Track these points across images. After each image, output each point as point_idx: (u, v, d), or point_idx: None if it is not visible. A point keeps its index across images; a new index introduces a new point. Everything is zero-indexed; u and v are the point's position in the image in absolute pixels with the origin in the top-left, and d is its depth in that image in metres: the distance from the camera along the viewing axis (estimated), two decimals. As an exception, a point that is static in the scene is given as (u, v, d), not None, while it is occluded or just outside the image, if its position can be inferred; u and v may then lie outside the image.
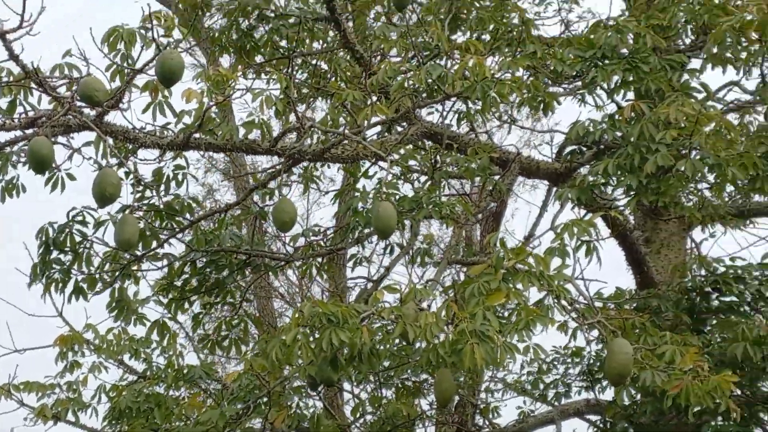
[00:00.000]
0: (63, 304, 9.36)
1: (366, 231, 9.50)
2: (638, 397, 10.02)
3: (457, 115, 9.83)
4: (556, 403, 11.85)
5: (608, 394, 11.24)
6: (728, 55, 9.69)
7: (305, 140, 8.45)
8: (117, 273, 9.22)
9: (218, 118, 8.85)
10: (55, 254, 8.85)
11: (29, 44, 7.23)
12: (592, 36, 10.01)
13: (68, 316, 11.01)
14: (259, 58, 10.24)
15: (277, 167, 9.32)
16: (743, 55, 9.81)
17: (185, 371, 10.49)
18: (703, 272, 11.22)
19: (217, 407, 9.54)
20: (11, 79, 7.70)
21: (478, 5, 10.64)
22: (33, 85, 7.57)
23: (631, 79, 9.44)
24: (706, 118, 9.01)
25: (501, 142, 11.59)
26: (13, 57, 7.27)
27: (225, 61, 10.76)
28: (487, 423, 12.53)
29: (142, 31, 7.57)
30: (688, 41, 10.91)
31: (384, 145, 8.84)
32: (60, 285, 9.01)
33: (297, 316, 7.52)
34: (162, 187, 9.11)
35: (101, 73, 7.59)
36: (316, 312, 7.32)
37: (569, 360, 11.83)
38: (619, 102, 9.94)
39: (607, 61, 9.63)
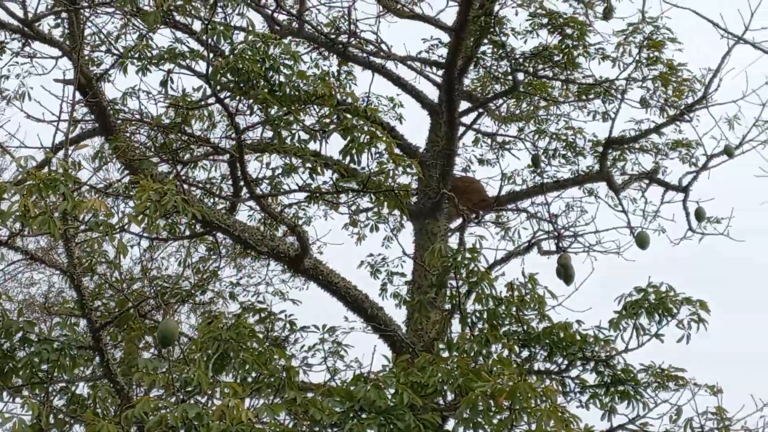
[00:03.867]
0: None
1: None
2: None
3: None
4: None
5: None
6: (479, 419, 10.01)
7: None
8: None
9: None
10: None
11: None
12: (352, 388, 10.23)
13: None
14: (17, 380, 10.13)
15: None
16: (495, 420, 10.16)
17: None
18: None
19: None
20: None
21: (244, 347, 10.80)
22: None
23: (385, 436, 9.64)
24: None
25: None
26: None
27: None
28: None
29: None
30: (451, 397, 11.14)
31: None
32: None
33: None
34: None
35: None
36: None
37: None
38: None
39: (364, 415, 9.82)
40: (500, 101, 15.34)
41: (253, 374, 10.57)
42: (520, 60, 14.80)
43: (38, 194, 8.46)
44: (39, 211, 8.28)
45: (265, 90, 11.39)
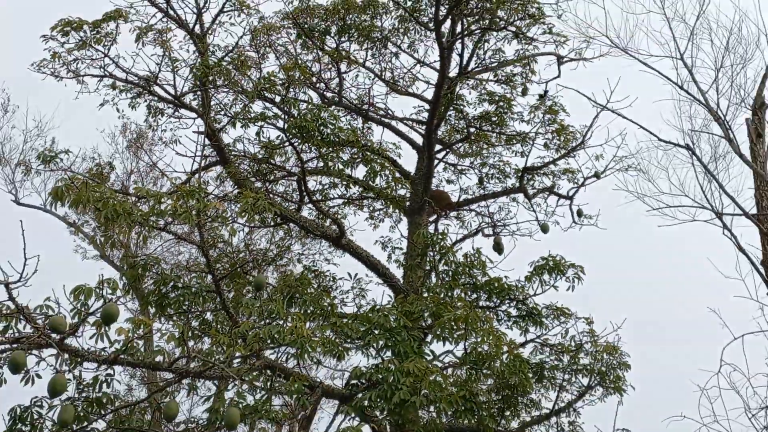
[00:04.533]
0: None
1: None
2: None
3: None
4: None
5: None
6: (446, 335, 9.97)
7: (191, 363, 8.28)
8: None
9: (140, 345, 8.60)
10: (19, 426, 8.24)
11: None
12: (370, 315, 10.23)
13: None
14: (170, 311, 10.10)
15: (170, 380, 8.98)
16: (456, 335, 10.12)
17: None
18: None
19: None
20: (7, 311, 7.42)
21: (307, 292, 10.76)
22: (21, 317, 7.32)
23: (389, 343, 9.59)
24: (431, 372, 9.15)
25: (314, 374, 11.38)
26: (12, 299, 7.05)
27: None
28: None
29: (96, 289, 7.49)
30: (429, 321, 11.10)
31: (239, 371, 8.69)
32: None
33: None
34: (98, 387, 8.66)
35: (67, 313, 7.42)
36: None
37: None
38: (382, 356, 9.86)
39: (377, 332, 9.81)
40: (459, 145, 15.25)
41: (311, 308, 10.54)
42: (471, 120, 14.72)
43: (183, 200, 8.45)
44: (183, 210, 8.27)
45: (318, 137, 11.37)
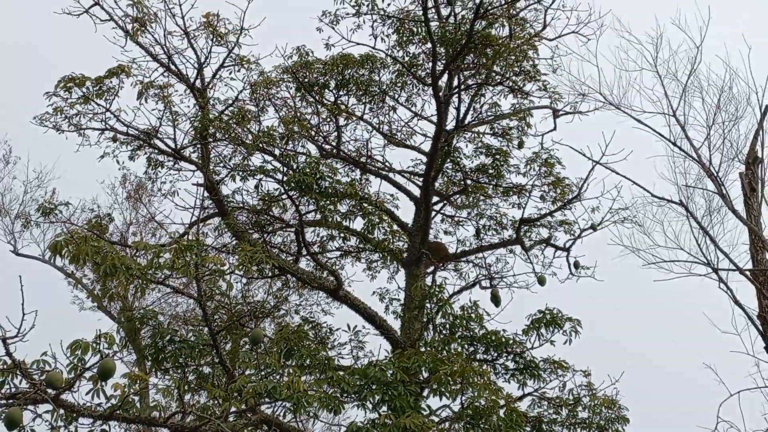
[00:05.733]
0: None
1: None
2: None
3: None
4: None
5: None
6: (442, 389, 9.95)
7: (187, 419, 8.28)
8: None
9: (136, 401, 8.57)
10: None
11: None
12: (366, 369, 10.21)
13: None
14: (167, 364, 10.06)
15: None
16: (453, 388, 10.10)
17: None
18: None
19: None
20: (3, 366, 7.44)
21: (302, 344, 10.75)
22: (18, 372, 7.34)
23: (386, 398, 9.57)
24: (427, 427, 9.06)
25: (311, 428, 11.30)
26: (9, 355, 7.09)
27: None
28: None
29: (93, 344, 7.53)
30: (426, 375, 11.04)
31: (235, 426, 8.67)
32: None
33: None
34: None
35: (63, 368, 7.45)
36: None
37: None
38: (379, 411, 9.78)
39: (374, 386, 9.78)
40: (456, 197, 15.38)
41: (308, 361, 10.54)
42: (468, 172, 14.87)
43: (181, 254, 8.53)
44: (181, 264, 8.34)
45: (316, 190, 11.49)
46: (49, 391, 7.30)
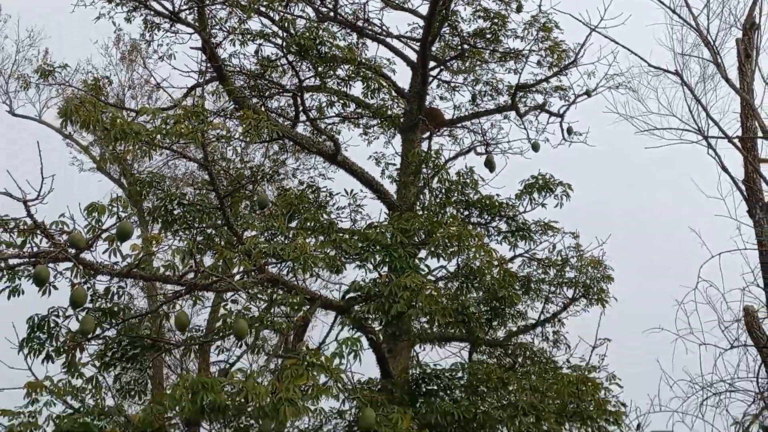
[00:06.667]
0: (32, 363, 9.02)
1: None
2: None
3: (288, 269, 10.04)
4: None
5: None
6: (440, 251, 10.43)
7: (199, 276, 8.74)
8: (74, 347, 9.08)
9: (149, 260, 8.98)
10: (37, 333, 8.73)
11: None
12: (367, 232, 10.66)
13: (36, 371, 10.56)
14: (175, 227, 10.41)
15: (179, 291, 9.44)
16: (449, 251, 10.57)
17: (105, 409, 10.27)
18: (418, 371, 11.70)
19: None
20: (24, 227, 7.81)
21: (305, 208, 11.11)
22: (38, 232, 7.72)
23: (387, 259, 10.04)
24: (426, 286, 9.65)
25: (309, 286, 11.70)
26: (30, 216, 7.43)
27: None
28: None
29: (109, 207, 7.88)
30: (423, 237, 11.46)
31: (245, 284, 9.15)
32: (36, 352, 8.86)
33: (182, 381, 7.66)
34: (110, 298, 9.15)
35: (81, 229, 7.84)
36: (196, 380, 7.54)
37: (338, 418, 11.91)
38: (379, 271, 10.30)
39: (375, 248, 10.25)
40: (453, 62, 15.38)
41: (310, 224, 10.92)
42: (465, 37, 14.82)
43: (187, 119, 8.72)
44: (189, 130, 8.56)
45: (315, 55, 11.53)
46: (71, 250, 7.71)
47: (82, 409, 10.57)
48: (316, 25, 11.62)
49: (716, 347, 8.42)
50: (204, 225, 10.09)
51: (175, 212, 9.89)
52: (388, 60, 14.34)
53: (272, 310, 9.68)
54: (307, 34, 11.20)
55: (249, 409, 7.77)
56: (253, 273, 8.91)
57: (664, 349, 8.56)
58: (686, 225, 9.27)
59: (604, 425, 11.30)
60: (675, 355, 8.35)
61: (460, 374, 11.36)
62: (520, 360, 12.51)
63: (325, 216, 10.90)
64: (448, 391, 11.18)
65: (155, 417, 8.69)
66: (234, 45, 11.84)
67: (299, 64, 11.88)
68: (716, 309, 8.60)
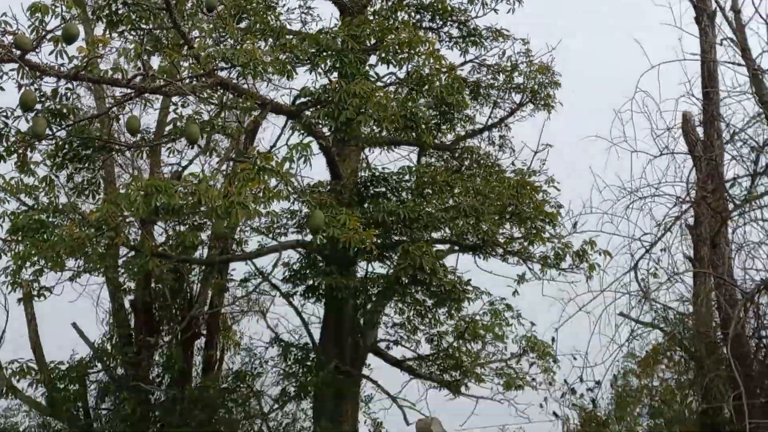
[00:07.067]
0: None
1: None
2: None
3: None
4: (280, 240, 12.24)
5: (309, 238, 11.48)
6: (390, 58, 10.43)
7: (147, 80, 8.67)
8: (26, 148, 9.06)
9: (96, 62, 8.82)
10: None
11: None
12: (318, 36, 10.56)
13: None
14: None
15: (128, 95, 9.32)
16: (400, 57, 10.54)
17: (59, 207, 10.44)
18: (367, 173, 12.11)
19: (82, 231, 9.58)
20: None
21: (252, 9, 10.84)
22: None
23: (337, 65, 10.06)
24: (375, 92, 9.77)
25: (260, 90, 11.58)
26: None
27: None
28: (240, 249, 12.88)
29: (52, 6, 7.66)
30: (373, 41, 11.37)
31: (194, 88, 9.10)
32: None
33: (135, 182, 7.86)
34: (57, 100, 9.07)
35: (25, 29, 7.66)
36: (149, 183, 7.77)
37: (289, 218, 12.31)
38: (329, 77, 10.26)
39: (325, 53, 10.23)
40: None
41: (258, 25, 10.70)
42: None
43: None
44: None
45: None
46: (16, 51, 7.59)
47: (36, 206, 10.84)
48: None
49: (647, 154, 8.90)
50: (150, 26, 9.82)
51: (120, 11, 9.56)
52: None
53: (223, 114, 9.75)
54: None
55: (202, 209, 8.01)
56: (202, 78, 8.85)
57: (600, 156, 9.02)
58: (633, 34, 9.40)
59: (540, 225, 12.03)
60: (608, 162, 8.83)
61: (407, 177, 11.82)
62: (466, 163, 12.99)
63: (274, 18, 10.69)
64: (396, 193, 11.68)
65: (110, 216, 8.85)
66: None
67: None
68: (651, 118, 8.99)
